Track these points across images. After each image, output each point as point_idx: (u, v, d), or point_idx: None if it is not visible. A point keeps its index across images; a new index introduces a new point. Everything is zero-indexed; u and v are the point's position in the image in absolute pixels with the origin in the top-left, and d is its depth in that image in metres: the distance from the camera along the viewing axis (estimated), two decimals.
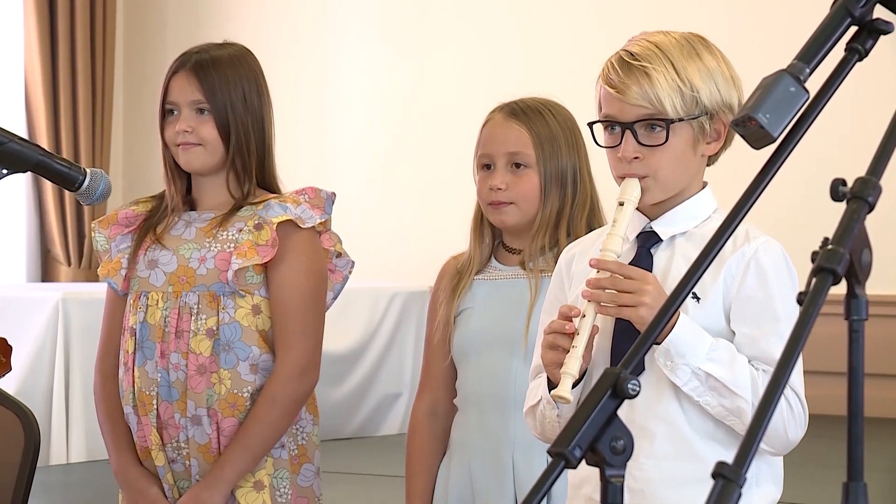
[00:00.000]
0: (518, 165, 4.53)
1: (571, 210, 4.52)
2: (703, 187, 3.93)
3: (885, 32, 2.65)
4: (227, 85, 4.71)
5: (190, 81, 4.68)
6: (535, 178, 4.51)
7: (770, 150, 2.62)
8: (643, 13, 9.18)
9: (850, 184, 2.51)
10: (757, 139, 2.59)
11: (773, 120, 2.57)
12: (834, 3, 2.65)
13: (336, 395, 8.44)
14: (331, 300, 4.80)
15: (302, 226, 4.68)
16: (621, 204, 3.76)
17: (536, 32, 9.90)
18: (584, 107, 4.09)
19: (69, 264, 10.56)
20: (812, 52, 2.61)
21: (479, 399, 4.58)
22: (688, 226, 3.88)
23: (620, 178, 3.83)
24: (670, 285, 3.45)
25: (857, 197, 2.51)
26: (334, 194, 4.82)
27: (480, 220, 4.62)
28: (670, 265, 3.80)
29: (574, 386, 3.49)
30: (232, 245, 4.67)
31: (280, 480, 4.73)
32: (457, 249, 4.68)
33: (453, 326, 4.60)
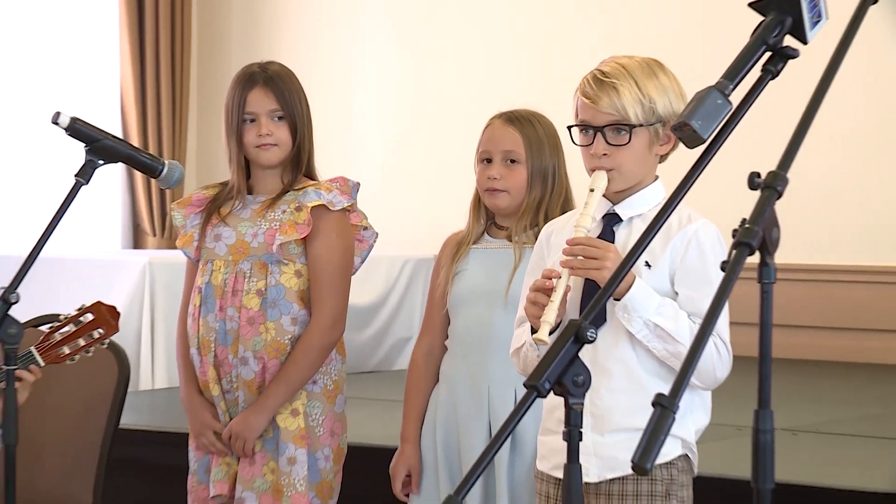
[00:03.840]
0: (511, 161, 4.55)
1: (550, 199, 4.54)
2: (656, 179, 3.95)
3: (793, 57, 2.68)
4: (293, 95, 4.74)
5: (266, 94, 4.68)
6: (524, 172, 4.53)
7: (701, 149, 2.65)
8: (631, 28, 9.08)
9: (763, 176, 2.54)
10: (691, 140, 2.61)
11: (703, 125, 2.60)
12: (754, 32, 2.67)
13: (360, 338, 8.48)
14: (359, 264, 4.83)
15: (332, 208, 4.69)
16: (592, 191, 3.80)
17: (530, 41, 9.75)
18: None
19: (154, 235, 10.54)
20: (735, 72, 2.64)
21: (466, 342, 4.60)
22: (643, 209, 3.91)
23: (591, 171, 3.85)
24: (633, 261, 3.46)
25: (769, 186, 2.53)
26: (359, 183, 4.83)
27: (478, 203, 4.63)
28: (628, 240, 3.83)
29: (551, 333, 3.51)
30: (277, 224, 4.69)
31: (313, 409, 4.74)
32: (455, 227, 4.70)
33: (451, 284, 4.62)
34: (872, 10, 2.74)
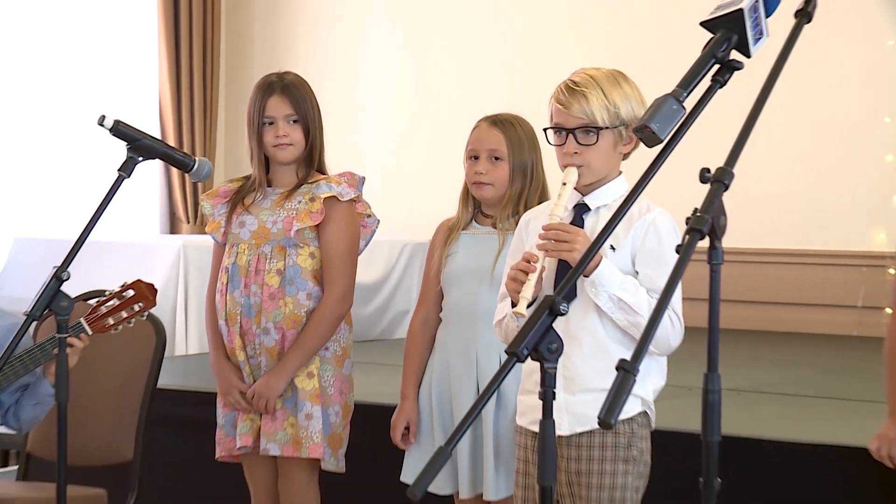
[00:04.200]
0: (496, 158, 4.56)
1: (529, 190, 4.55)
2: (619, 174, 3.98)
3: (738, 69, 2.69)
4: (306, 101, 4.77)
5: (283, 101, 4.73)
6: (507, 167, 4.54)
7: (659, 148, 2.65)
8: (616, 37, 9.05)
9: (712, 171, 2.55)
10: (650, 140, 2.62)
11: (661, 127, 2.60)
12: (705, 47, 2.68)
13: (365, 311, 8.47)
14: (363, 246, 4.86)
15: (341, 199, 4.74)
16: (564, 184, 3.84)
17: (521, 50, 9.70)
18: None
19: (187, 222, 10.50)
20: (688, 81, 2.64)
21: (457, 314, 4.61)
22: (608, 200, 3.93)
23: (564, 167, 3.90)
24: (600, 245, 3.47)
25: (717, 180, 2.54)
26: (364, 178, 4.86)
27: (466, 194, 4.65)
28: (595, 226, 3.84)
29: (528, 307, 3.53)
30: (294, 212, 4.73)
31: (325, 371, 4.77)
32: (446, 215, 4.70)
33: (444, 264, 4.63)
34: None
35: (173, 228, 10.61)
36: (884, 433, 4.24)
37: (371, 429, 4.91)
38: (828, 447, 4.74)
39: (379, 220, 4.89)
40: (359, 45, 10.67)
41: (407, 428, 4.66)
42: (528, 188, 4.58)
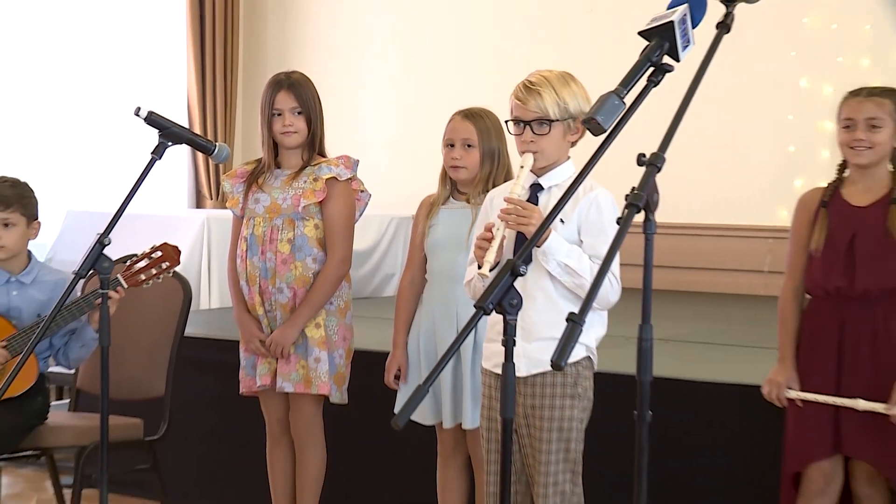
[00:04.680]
0: (468, 146, 4.57)
1: (496, 172, 4.56)
2: (568, 159, 3.98)
3: (669, 71, 2.68)
4: (308, 96, 4.76)
5: (289, 96, 4.72)
6: (478, 154, 4.55)
7: (603, 137, 2.64)
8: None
9: (647, 156, 2.54)
10: (596, 130, 2.63)
11: (605, 119, 2.61)
12: (642, 53, 2.67)
13: (359, 273, 8.42)
14: (358, 216, 4.86)
15: (340, 179, 4.75)
16: (522, 167, 3.87)
17: (497, 51, 9.66)
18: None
19: (211, 199, 10.43)
20: (627, 81, 2.65)
21: (440, 276, 4.61)
22: (559, 181, 3.94)
23: (522, 153, 3.92)
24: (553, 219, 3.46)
25: (651, 164, 2.55)
26: (358, 160, 4.88)
27: (444, 176, 4.66)
28: (548, 203, 3.87)
29: (492, 269, 3.52)
30: (300, 191, 4.73)
31: (330, 322, 4.78)
32: (427, 193, 4.70)
33: (426, 234, 4.63)
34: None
35: (198, 203, 10.56)
36: (773, 378, 4.26)
37: (368, 370, 4.91)
38: (737, 386, 4.74)
39: (370, 195, 4.90)
40: (358, 45, 10.63)
41: (398, 371, 4.69)
42: (495, 170, 4.59)
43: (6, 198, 4.59)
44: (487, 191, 4.41)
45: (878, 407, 4.04)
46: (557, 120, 3.90)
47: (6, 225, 4.58)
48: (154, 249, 4.43)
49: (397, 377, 4.68)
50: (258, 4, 11.04)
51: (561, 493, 3.95)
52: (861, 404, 4.06)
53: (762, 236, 8.61)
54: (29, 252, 4.71)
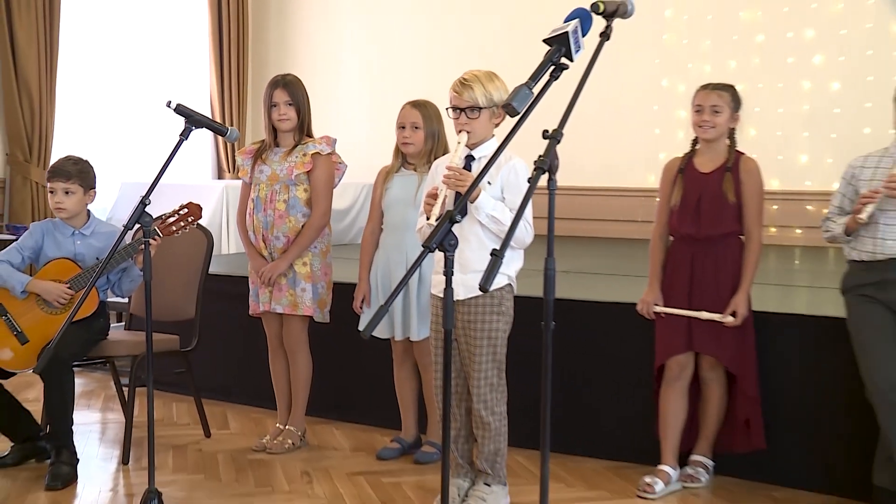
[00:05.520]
0: (415, 128, 4.55)
1: (437, 148, 4.59)
2: (493, 137, 3.99)
3: (566, 68, 2.66)
4: (298, 91, 4.73)
5: (283, 92, 4.70)
6: (423, 134, 4.55)
7: (517, 119, 2.61)
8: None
9: (550, 131, 2.53)
10: (512, 113, 2.65)
11: (518, 105, 2.61)
12: (546, 55, 2.65)
13: (340, 226, 8.36)
14: (337, 182, 4.81)
15: (322, 154, 4.73)
16: (459, 143, 3.88)
17: (434, 52, 9.60)
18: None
19: (229, 172, 10.29)
20: (535, 76, 2.65)
21: (394, 227, 4.63)
22: (486, 153, 3.94)
23: (458, 132, 3.93)
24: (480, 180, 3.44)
25: (553, 137, 2.54)
26: (336, 139, 4.84)
27: (397, 151, 4.67)
28: (478, 169, 3.85)
29: (437, 220, 3.51)
30: (293, 163, 4.71)
31: (314, 261, 4.76)
32: (385, 163, 4.69)
33: (383, 195, 4.63)
34: None
35: (219, 175, 10.45)
36: (644, 298, 4.38)
37: (342, 297, 4.89)
38: (618, 304, 4.74)
39: (346, 165, 4.87)
40: (337, 49, 10.48)
41: (363, 299, 4.69)
42: (436, 146, 4.61)
43: (68, 172, 4.52)
44: (430, 163, 4.43)
45: (716, 316, 4.20)
46: (485, 107, 3.92)
47: (67, 192, 4.53)
48: (182, 207, 4.38)
49: (363, 303, 4.69)
50: (262, 20, 10.87)
51: (489, 385, 3.96)
52: (704, 315, 4.21)
53: (636, 195, 8.62)
54: (88, 211, 4.66)
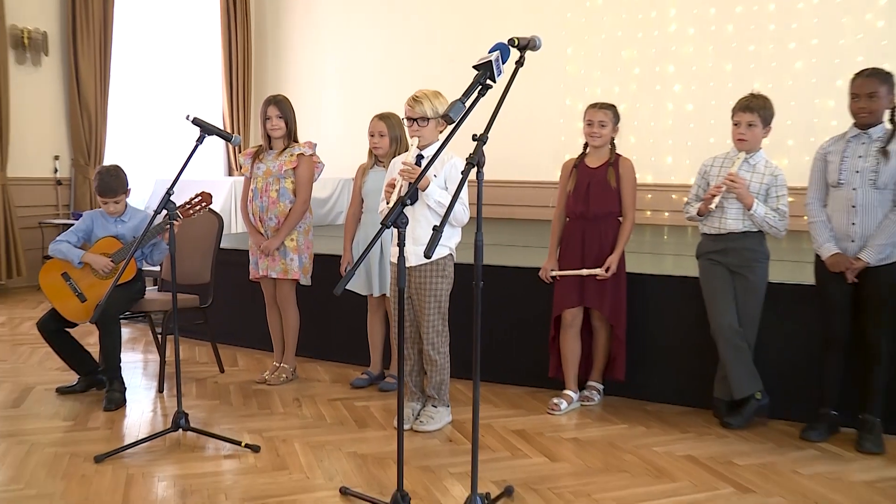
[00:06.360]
0: (381, 135, 4.46)
1: (399, 149, 4.48)
2: (438, 140, 3.89)
3: (490, 88, 2.60)
4: (286, 107, 4.59)
5: (275, 108, 4.56)
6: (388, 139, 4.46)
7: (453, 126, 2.55)
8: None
9: (478, 135, 2.47)
10: (450, 122, 2.56)
11: (455, 115, 2.55)
12: (475, 77, 2.60)
13: (322, 211, 8.16)
14: (316, 177, 4.69)
15: (305, 155, 4.60)
16: (412, 145, 3.82)
17: (398, 70, 9.41)
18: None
19: (237, 169, 10.10)
20: (467, 93, 2.57)
21: (370, 210, 4.54)
22: (432, 152, 3.84)
23: (412, 137, 3.86)
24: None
25: (480, 140, 2.47)
26: (316, 144, 4.73)
27: (370, 152, 4.57)
28: (427, 164, 3.75)
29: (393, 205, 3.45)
30: (283, 162, 4.59)
31: (299, 237, 4.64)
32: (362, 162, 4.60)
33: (362, 186, 4.54)
34: None
35: (230, 172, 10.25)
36: (544, 265, 4.35)
37: (325, 267, 4.82)
38: (528, 269, 4.71)
39: (325, 164, 4.76)
40: (320, 69, 10.24)
41: (346, 266, 4.61)
42: (399, 147, 4.49)
43: (115, 189, 4.43)
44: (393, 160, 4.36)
45: (595, 271, 4.19)
46: (431, 118, 3.82)
47: (117, 202, 4.45)
48: (196, 195, 4.28)
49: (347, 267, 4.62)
50: (262, 51, 10.62)
51: (436, 331, 3.92)
52: (585, 272, 4.20)
53: (547, 187, 8.59)
54: (125, 202, 4.56)
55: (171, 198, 3.60)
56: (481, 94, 2.55)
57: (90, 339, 5.32)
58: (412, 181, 3.65)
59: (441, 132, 3.91)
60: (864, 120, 3.67)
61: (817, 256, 3.83)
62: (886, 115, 3.68)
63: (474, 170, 2.48)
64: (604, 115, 4.20)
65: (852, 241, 3.70)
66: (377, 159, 4.57)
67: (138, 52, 9.13)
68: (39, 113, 8.08)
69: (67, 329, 4.48)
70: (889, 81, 3.63)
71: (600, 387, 4.44)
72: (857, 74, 3.68)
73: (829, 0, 7.61)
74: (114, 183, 4.43)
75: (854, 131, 3.73)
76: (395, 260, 3.91)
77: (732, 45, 7.99)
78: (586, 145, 4.32)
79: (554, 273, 4.28)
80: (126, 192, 4.48)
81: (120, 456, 3.55)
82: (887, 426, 3.82)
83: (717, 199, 3.93)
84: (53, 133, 8.22)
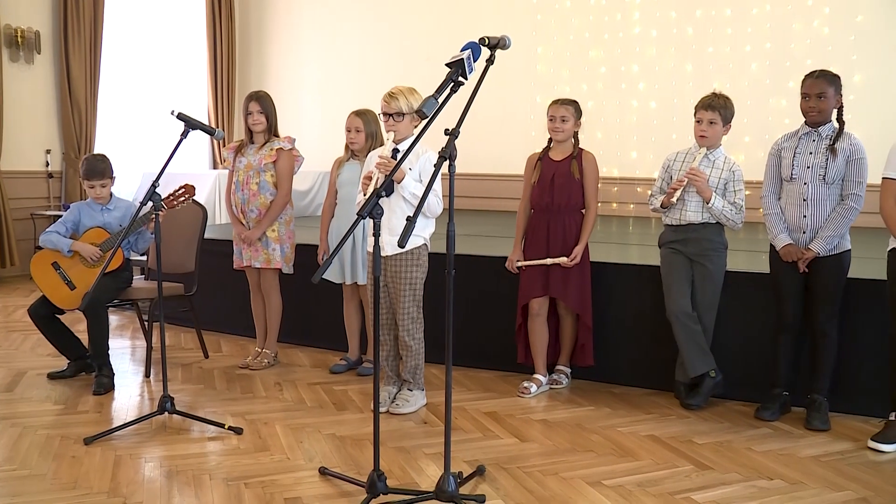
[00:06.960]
0: (357, 131, 4.41)
1: (375, 144, 4.44)
2: (413, 134, 3.85)
3: (462, 84, 2.58)
4: (268, 103, 4.54)
5: (256, 104, 4.51)
6: (364, 134, 4.42)
7: (427, 121, 2.53)
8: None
9: (451, 129, 2.45)
10: (423, 117, 2.55)
11: (428, 110, 2.54)
12: (447, 74, 2.58)
13: (302, 203, 8.10)
14: (296, 170, 4.64)
15: (285, 149, 4.55)
16: (387, 140, 3.77)
17: (375, 68, 9.30)
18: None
19: (221, 163, 9.98)
20: (440, 90, 2.56)
21: (346, 201, 4.50)
22: (407, 146, 3.79)
23: (388, 132, 3.81)
24: (401, 165, 3.35)
25: (452, 134, 2.46)
26: (295, 139, 4.68)
27: (347, 146, 4.53)
28: (402, 158, 3.72)
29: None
30: (263, 156, 4.53)
31: (281, 228, 4.59)
32: (337, 155, 4.55)
33: (337, 178, 4.49)
34: None
35: (214, 166, 10.13)
36: (510, 256, 4.32)
37: (305, 256, 4.78)
38: (503, 258, 4.70)
39: (304, 158, 4.71)
40: (298, 64, 10.12)
41: (324, 254, 4.57)
42: (374, 142, 4.44)
43: (102, 171, 4.38)
44: (368, 154, 4.31)
45: (558, 260, 4.15)
46: (407, 113, 3.78)
47: (103, 186, 4.39)
48: (180, 187, 4.23)
49: (323, 256, 4.57)
50: (246, 49, 10.51)
51: (411, 318, 3.90)
52: (548, 260, 4.16)
53: (518, 180, 8.49)
54: (111, 192, 4.50)
55: (157, 189, 3.56)
56: (453, 91, 2.52)
57: (80, 326, 5.25)
58: (388, 174, 3.65)
59: (416, 127, 3.87)
60: (814, 118, 3.71)
61: (771, 246, 3.86)
62: (834, 114, 3.72)
63: (447, 163, 2.45)
64: (565, 111, 4.17)
65: (804, 233, 3.73)
66: (353, 153, 4.53)
67: (127, 50, 9.04)
68: (32, 109, 8.02)
69: (57, 315, 4.44)
70: (836, 83, 3.68)
71: (568, 370, 4.45)
72: (808, 76, 3.71)
73: (780, 7, 7.69)
74: (100, 165, 4.38)
75: (805, 129, 3.76)
76: (369, 248, 3.89)
77: (693, 47, 8.03)
78: (551, 140, 4.31)
79: (520, 263, 4.26)
80: (112, 178, 4.44)
81: (108, 438, 3.52)
82: (833, 404, 3.87)
83: (678, 193, 3.94)
84: (45, 128, 8.16)
